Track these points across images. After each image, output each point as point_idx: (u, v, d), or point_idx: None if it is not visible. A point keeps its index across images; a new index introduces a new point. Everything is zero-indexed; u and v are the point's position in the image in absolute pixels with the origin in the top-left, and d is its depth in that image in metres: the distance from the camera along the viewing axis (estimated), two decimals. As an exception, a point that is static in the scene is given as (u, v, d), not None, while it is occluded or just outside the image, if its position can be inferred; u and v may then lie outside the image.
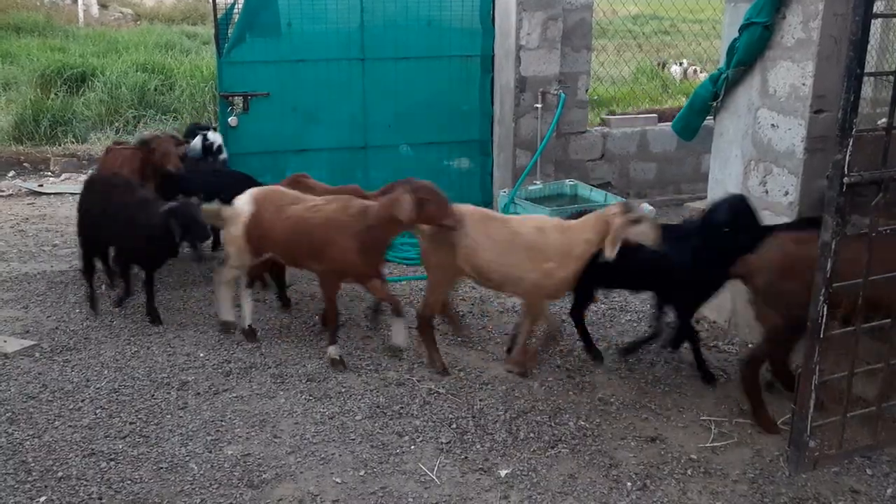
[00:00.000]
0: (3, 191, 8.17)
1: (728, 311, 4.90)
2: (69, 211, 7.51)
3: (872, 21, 2.97)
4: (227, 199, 4.71)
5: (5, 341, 4.69)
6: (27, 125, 9.96)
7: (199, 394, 4.16)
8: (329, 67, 6.54)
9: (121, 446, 3.68)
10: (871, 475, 3.48)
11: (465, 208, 4.20)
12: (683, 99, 8.99)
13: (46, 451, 3.64)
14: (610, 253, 3.84)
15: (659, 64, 12.75)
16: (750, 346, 4.49)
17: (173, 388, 4.22)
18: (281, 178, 6.32)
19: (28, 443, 3.71)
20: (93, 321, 5.03)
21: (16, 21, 14.84)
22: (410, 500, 3.31)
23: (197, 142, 6.24)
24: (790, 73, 4.31)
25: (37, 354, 4.59)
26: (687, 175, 7.85)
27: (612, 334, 4.90)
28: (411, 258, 6.15)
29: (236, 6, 6.29)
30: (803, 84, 4.23)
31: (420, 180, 4.20)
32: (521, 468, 3.52)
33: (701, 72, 11.89)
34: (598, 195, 6.74)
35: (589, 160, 7.47)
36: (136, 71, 11.39)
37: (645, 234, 3.90)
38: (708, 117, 5.02)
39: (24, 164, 9.30)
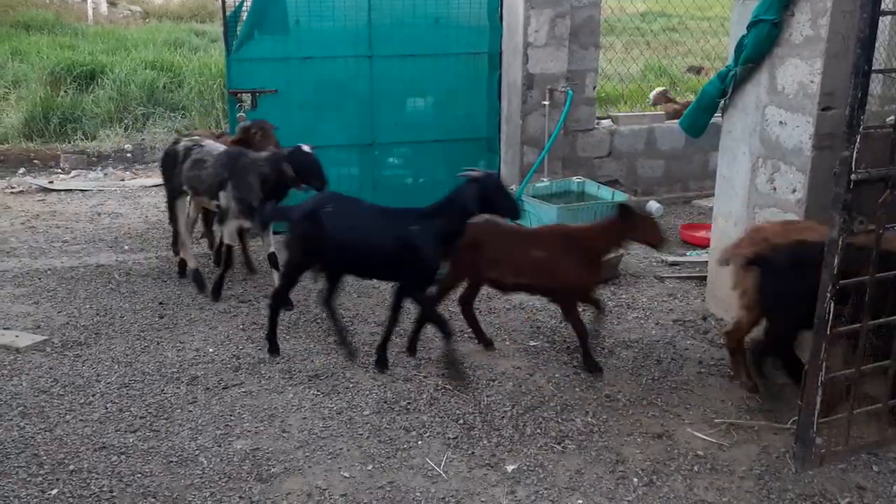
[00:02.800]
0: (13, 187, 8.23)
1: (735, 308, 4.89)
2: (78, 207, 7.57)
3: (881, 18, 2.98)
4: None
5: (17, 336, 4.73)
6: (37, 122, 10.03)
7: (208, 388, 4.19)
8: (337, 65, 6.56)
9: (131, 440, 3.72)
10: (877, 472, 3.48)
11: None
12: (691, 97, 8.97)
13: (58, 444, 3.68)
14: None
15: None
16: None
17: (183, 382, 4.25)
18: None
19: (40, 436, 3.74)
20: (103, 317, 5.07)
21: (26, 19, 14.92)
22: (418, 494, 3.34)
23: None
24: (798, 70, 4.30)
25: (48, 349, 4.63)
26: (695, 172, 7.85)
27: (619, 331, 4.90)
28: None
29: (245, 4, 6.32)
30: (811, 81, 4.23)
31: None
32: (528, 464, 3.54)
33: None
34: (605, 192, 6.75)
35: (596, 157, 7.47)
36: (145, 68, 11.45)
37: None
38: (716, 114, 5.01)
39: (35, 161, 9.36)
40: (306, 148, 4.98)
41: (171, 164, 5.47)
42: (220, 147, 5.36)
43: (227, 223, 5.20)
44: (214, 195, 5.19)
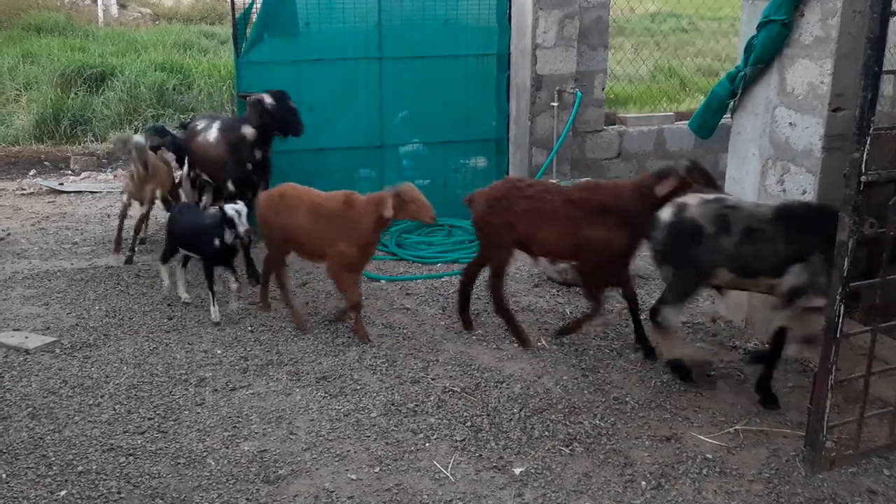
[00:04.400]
0: (24, 189, 8.28)
1: (745, 310, 4.88)
2: (88, 209, 7.61)
3: (892, 19, 2.95)
4: None
5: (27, 337, 4.75)
6: (48, 124, 10.09)
7: (216, 390, 4.20)
8: (346, 67, 6.57)
9: (139, 441, 3.73)
10: (888, 475, 3.45)
11: None
12: (701, 98, 8.94)
13: (66, 445, 3.69)
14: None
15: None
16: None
17: (191, 384, 4.26)
18: (299, 178, 6.32)
19: (49, 437, 3.76)
20: (112, 318, 5.09)
21: (37, 21, 14.99)
22: (425, 497, 3.33)
23: None
24: (808, 71, 4.28)
25: (57, 350, 4.65)
26: (704, 174, 7.80)
27: (627, 333, 4.88)
28: (425, 256, 6.17)
29: (254, 6, 6.34)
30: (821, 82, 4.20)
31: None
32: (536, 466, 3.53)
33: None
34: (614, 194, 6.72)
35: (605, 159, 7.45)
36: (155, 70, 11.49)
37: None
38: (725, 116, 4.99)
39: (45, 162, 9.42)
40: None
41: (689, 240, 3.82)
42: (760, 203, 3.94)
43: (804, 303, 3.66)
44: (780, 272, 3.70)
